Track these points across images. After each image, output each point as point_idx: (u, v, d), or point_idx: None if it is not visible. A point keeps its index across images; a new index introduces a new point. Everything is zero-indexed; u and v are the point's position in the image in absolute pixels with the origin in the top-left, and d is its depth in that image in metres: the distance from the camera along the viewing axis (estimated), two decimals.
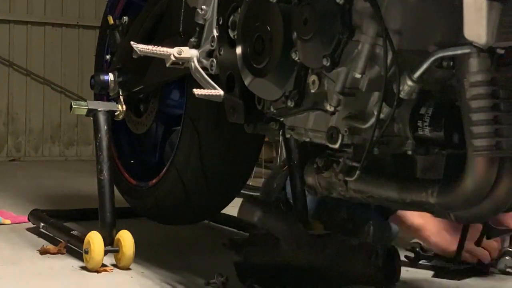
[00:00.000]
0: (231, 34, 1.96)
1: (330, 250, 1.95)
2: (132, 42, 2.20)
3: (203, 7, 2.06)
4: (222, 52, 2.00)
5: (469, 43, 1.34)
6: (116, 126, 2.73)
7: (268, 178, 2.33)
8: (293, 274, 1.96)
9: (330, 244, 1.97)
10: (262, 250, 2.00)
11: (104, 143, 2.42)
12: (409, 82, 1.47)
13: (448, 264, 2.38)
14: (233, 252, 2.00)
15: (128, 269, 2.31)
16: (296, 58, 1.68)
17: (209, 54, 2.06)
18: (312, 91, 1.67)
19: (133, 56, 2.30)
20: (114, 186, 2.46)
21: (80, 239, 2.36)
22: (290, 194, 2.27)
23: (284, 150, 2.73)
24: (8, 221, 3.00)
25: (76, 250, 2.42)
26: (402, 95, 1.49)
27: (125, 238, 2.30)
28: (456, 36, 1.42)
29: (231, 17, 1.96)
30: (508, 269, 2.36)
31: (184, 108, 2.42)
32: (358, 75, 1.55)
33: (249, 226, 2.74)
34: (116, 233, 2.33)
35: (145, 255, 2.41)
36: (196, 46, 2.09)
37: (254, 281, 1.96)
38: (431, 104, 1.51)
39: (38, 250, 2.48)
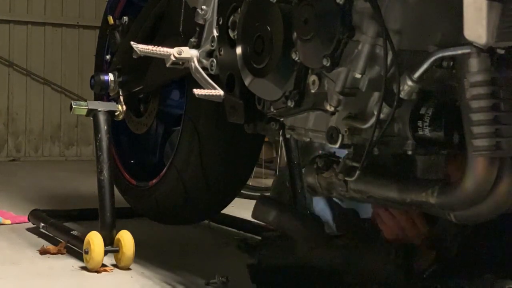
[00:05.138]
0: (231, 34, 1.96)
1: (347, 250, 1.93)
2: (132, 42, 2.20)
3: (203, 7, 2.06)
4: (222, 52, 2.00)
5: (469, 43, 1.34)
6: (116, 126, 2.73)
7: (278, 178, 2.30)
8: (310, 276, 1.94)
9: (347, 244, 1.95)
10: (277, 252, 1.98)
11: (104, 143, 2.42)
12: (409, 82, 1.47)
13: None
14: (246, 254, 1.99)
15: (128, 269, 2.31)
16: (296, 58, 1.68)
17: (209, 54, 2.06)
18: (312, 91, 1.67)
19: (133, 56, 2.30)
20: (114, 186, 2.46)
21: (80, 239, 2.36)
22: (318, 211, 2.24)
23: (284, 150, 2.74)
24: (8, 221, 3.00)
25: (76, 250, 2.42)
26: (402, 95, 1.49)
27: (125, 238, 2.30)
28: (456, 36, 1.42)
29: (231, 17, 1.96)
30: None
31: (184, 108, 2.42)
32: (358, 75, 1.55)
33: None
34: (116, 233, 2.33)
35: (145, 255, 2.41)
36: (196, 46, 2.09)
37: (269, 285, 1.94)
38: (431, 104, 1.51)
39: (38, 250, 2.48)
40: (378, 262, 1.88)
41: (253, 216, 2.03)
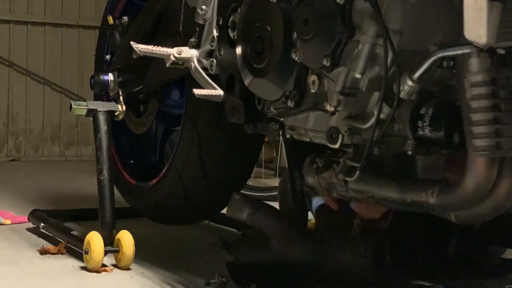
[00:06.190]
0: (231, 34, 1.96)
1: (318, 245, 1.93)
2: (132, 42, 2.20)
3: (203, 7, 2.06)
4: (222, 52, 2.00)
5: (470, 43, 1.34)
6: (116, 126, 2.73)
7: (283, 179, 2.29)
8: (284, 271, 1.94)
9: (318, 239, 1.95)
10: (252, 249, 1.98)
11: (104, 143, 2.42)
12: (409, 82, 1.47)
13: None
14: (224, 252, 1.99)
15: (128, 269, 2.31)
16: (296, 58, 1.68)
17: (209, 54, 2.06)
18: (312, 91, 1.67)
19: (133, 56, 2.30)
20: (114, 186, 2.46)
21: (80, 239, 2.36)
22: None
23: (284, 150, 2.74)
24: (8, 221, 3.00)
25: (76, 250, 2.42)
26: (402, 95, 1.49)
27: (125, 238, 2.30)
28: (456, 36, 1.42)
29: (231, 17, 1.96)
30: None
31: (184, 108, 2.42)
32: (358, 75, 1.55)
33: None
34: (116, 233, 2.33)
35: (145, 255, 2.41)
36: (196, 46, 2.09)
37: (248, 281, 1.94)
38: (432, 104, 1.51)
39: (38, 250, 2.48)
40: (349, 256, 1.88)
41: (228, 214, 2.03)
